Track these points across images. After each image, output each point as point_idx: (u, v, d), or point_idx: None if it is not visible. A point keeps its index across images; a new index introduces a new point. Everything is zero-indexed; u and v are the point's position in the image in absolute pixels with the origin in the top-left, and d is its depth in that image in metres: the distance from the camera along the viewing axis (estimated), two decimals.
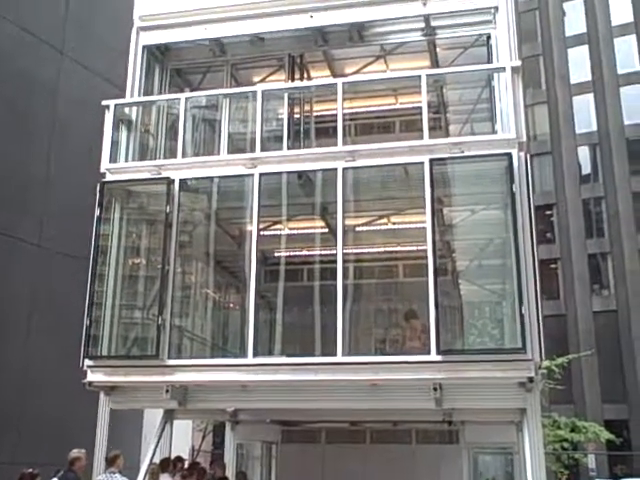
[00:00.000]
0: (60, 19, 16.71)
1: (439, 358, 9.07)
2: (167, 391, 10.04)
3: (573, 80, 50.78)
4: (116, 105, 11.53)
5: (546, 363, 22.20)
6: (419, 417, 12.02)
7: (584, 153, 49.82)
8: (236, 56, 12.84)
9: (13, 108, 15.26)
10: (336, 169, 10.12)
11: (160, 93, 12.85)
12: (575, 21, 52.02)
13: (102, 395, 10.61)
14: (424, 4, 11.40)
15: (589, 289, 47.02)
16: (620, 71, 49.22)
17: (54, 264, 15.72)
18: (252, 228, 10.43)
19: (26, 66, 15.67)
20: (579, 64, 50.78)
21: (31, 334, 15.19)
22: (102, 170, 11.20)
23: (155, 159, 11.97)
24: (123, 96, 12.17)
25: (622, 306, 45.55)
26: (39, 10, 16.14)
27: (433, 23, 11.65)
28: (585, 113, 49.90)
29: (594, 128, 49.43)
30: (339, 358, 9.46)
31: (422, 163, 9.73)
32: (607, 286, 47.34)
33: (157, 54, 12.79)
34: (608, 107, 48.96)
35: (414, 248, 11.98)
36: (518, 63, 10.22)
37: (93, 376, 10.36)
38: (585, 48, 51.17)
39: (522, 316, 8.88)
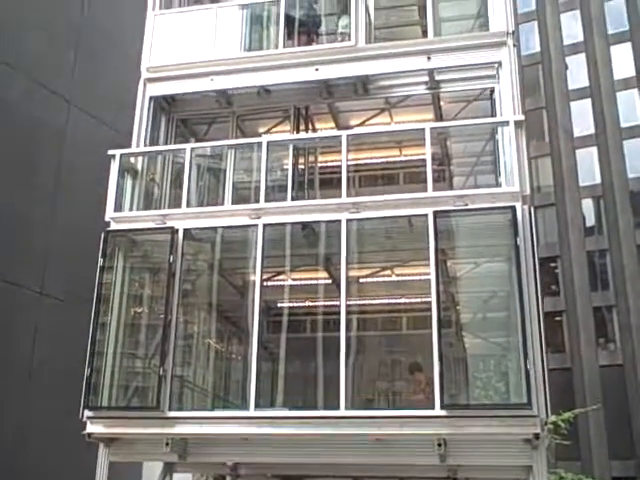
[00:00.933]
0: (68, 69, 16.94)
1: (443, 413, 8.94)
2: (167, 444, 9.89)
3: (576, 133, 51.22)
4: (122, 155, 11.62)
5: (552, 418, 21.91)
6: (423, 473, 11.77)
7: (588, 205, 49.98)
8: (242, 107, 12.96)
9: (20, 154, 15.37)
10: (340, 220, 10.13)
11: (166, 143, 12.96)
12: (577, 75, 52.67)
13: (101, 447, 10.44)
14: (428, 58, 11.56)
15: (594, 342, 46.65)
16: (623, 124, 49.65)
17: (56, 311, 15.64)
18: (255, 278, 10.38)
19: (33, 114, 15.83)
20: (582, 117, 51.25)
21: (32, 382, 15.05)
22: (107, 219, 11.24)
23: (160, 208, 12.04)
24: (129, 145, 12.28)
25: (628, 360, 45.15)
26: (48, 60, 16.38)
27: (437, 77, 11.78)
28: (589, 166, 50.21)
29: (598, 181, 49.68)
30: (342, 412, 9.33)
31: (426, 215, 9.75)
32: (613, 339, 46.98)
33: (164, 104, 12.94)
34: (612, 160, 49.26)
35: (418, 300, 11.93)
36: (521, 117, 10.31)
37: (93, 427, 10.21)
38: (588, 101, 51.69)
39: (527, 371, 8.78)
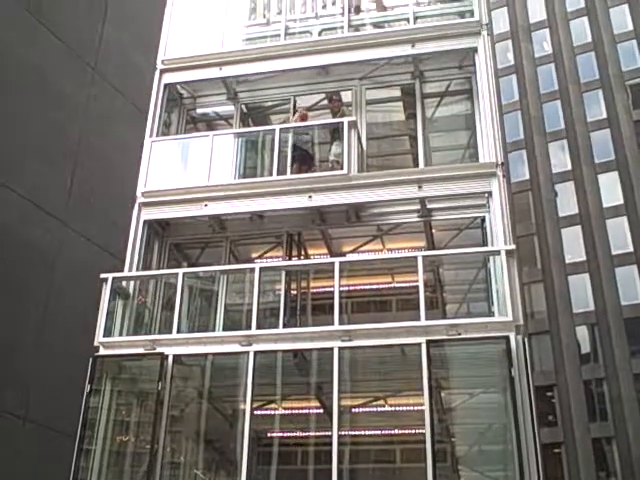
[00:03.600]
0: (65, 191, 17.16)
1: None
2: None
3: (568, 259, 51.52)
4: (114, 278, 11.58)
5: None
6: None
7: (583, 333, 49.63)
8: (235, 233, 13.07)
9: (10, 276, 15.31)
10: (332, 349, 10.00)
11: (159, 266, 12.97)
12: (567, 202, 53.56)
13: None
14: (420, 187, 11.75)
15: (595, 476, 45.14)
16: (614, 252, 50.06)
17: (40, 439, 15.19)
18: (246, 407, 10.16)
19: (28, 235, 15.90)
20: (573, 244, 51.76)
21: None
22: (96, 344, 11.09)
23: (150, 331, 11.92)
24: (121, 267, 12.28)
25: None
26: (44, 182, 16.60)
27: (429, 205, 11.94)
28: (582, 292, 50.23)
29: (591, 307, 49.57)
30: None
31: (419, 344, 9.64)
32: (614, 473, 45.49)
33: (157, 229, 13.05)
34: (604, 287, 49.33)
35: (412, 431, 11.64)
36: (512, 247, 10.39)
37: None
38: (578, 228, 52.33)
39: None
